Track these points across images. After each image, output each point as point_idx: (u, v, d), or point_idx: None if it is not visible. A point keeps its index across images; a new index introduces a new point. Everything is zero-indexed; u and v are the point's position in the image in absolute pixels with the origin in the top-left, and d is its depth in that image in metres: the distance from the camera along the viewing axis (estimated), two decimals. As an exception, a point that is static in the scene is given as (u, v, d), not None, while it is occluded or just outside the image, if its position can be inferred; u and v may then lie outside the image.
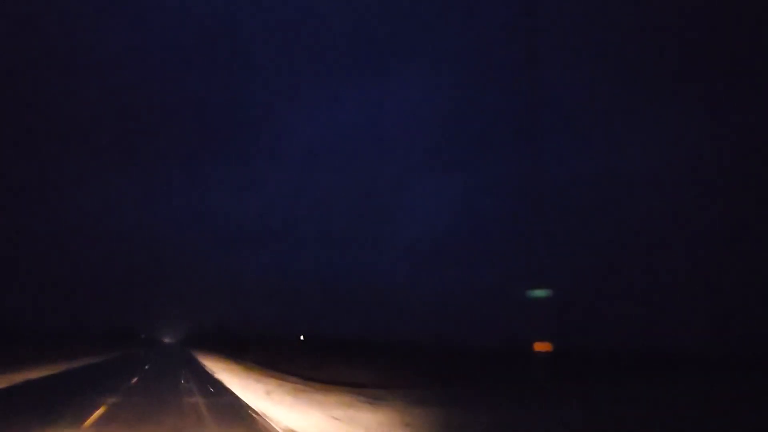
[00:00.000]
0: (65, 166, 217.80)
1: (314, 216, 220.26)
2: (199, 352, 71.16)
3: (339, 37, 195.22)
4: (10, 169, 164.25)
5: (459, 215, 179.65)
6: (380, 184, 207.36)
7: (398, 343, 74.18)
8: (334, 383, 24.13)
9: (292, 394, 18.98)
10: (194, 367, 35.63)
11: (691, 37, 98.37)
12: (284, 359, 41.90)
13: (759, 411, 15.03)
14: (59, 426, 10.98)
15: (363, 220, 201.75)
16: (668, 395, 20.70)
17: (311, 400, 16.89)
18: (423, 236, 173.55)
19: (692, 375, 30.29)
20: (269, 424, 12.17)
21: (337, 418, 13.27)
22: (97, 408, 13.56)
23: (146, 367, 34.26)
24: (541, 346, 19.26)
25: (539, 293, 19.47)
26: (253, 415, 13.42)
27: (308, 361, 39.03)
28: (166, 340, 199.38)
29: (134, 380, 22.59)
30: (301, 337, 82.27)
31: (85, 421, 11.62)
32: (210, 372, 30.61)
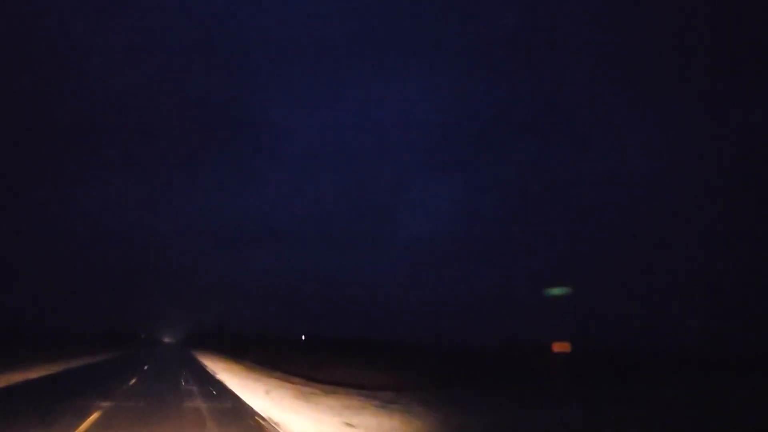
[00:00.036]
0: (65, 166, 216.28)
1: (314, 216, 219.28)
2: (200, 352, 69.91)
3: (339, 37, 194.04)
4: (10, 169, 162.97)
5: (460, 215, 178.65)
6: (381, 184, 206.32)
7: (399, 343, 73.15)
8: (341, 385, 23.00)
9: (298, 396, 17.81)
10: (194, 368, 34.41)
11: (691, 38, 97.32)
12: (285, 359, 40.78)
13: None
14: (46, 435, 9.85)
15: (363, 220, 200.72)
16: (672, 395, 20.01)
17: (320, 404, 15.73)
18: (423, 236, 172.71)
19: (691, 374, 29.53)
20: (278, 432, 11.05)
21: (351, 425, 12.11)
22: (91, 414, 12.35)
23: (145, 367, 33.01)
24: (559, 347, 18.15)
25: (557, 291, 18.37)
26: (260, 421, 12.23)
27: (310, 361, 37.92)
28: (166, 340, 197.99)
29: (132, 381, 21.35)
30: (303, 337, 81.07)
31: (76, 429, 10.46)
32: (211, 372, 29.41)
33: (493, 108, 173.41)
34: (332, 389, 21.06)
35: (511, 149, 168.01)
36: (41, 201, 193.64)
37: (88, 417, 11.88)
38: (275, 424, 11.96)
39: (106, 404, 14.03)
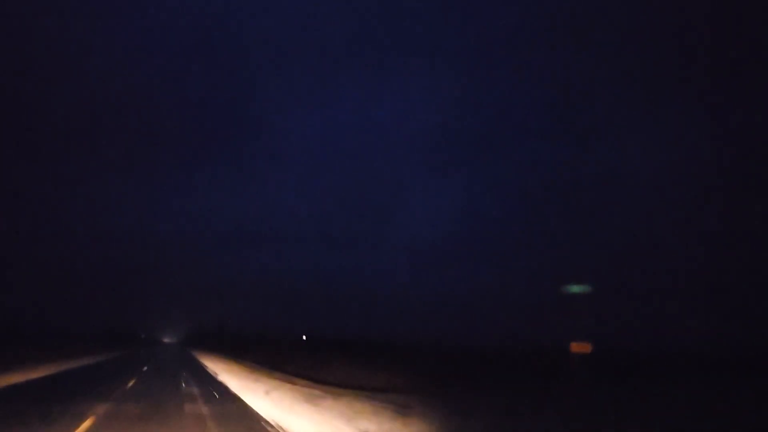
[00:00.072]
0: (65, 166, 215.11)
1: (314, 216, 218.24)
2: (200, 352, 68.78)
3: (339, 37, 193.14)
4: (10, 169, 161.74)
5: (460, 215, 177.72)
6: (380, 185, 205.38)
7: (399, 344, 72.24)
8: (347, 386, 21.94)
9: (305, 399, 16.73)
10: (195, 369, 33.33)
11: (692, 38, 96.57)
12: (286, 360, 39.71)
13: None
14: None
15: (363, 220, 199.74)
16: (673, 395, 19.29)
17: (330, 409, 14.65)
18: (423, 236, 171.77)
19: (691, 374, 28.83)
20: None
21: (368, 433, 11.10)
22: (85, 419, 11.29)
23: (144, 368, 31.89)
24: (579, 347, 17.11)
25: (577, 289, 17.35)
26: (268, 428, 11.19)
27: (312, 361, 36.86)
28: (166, 340, 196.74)
29: (130, 383, 20.26)
30: (304, 337, 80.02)
31: (66, 438, 9.44)
32: (212, 374, 28.33)
33: (493, 108, 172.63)
34: (339, 391, 19.99)
35: (511, 149, 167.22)
36: (41, 201, 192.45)
37: (82, 423, 10.82)
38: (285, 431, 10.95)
39: (101, 408, 12.96)
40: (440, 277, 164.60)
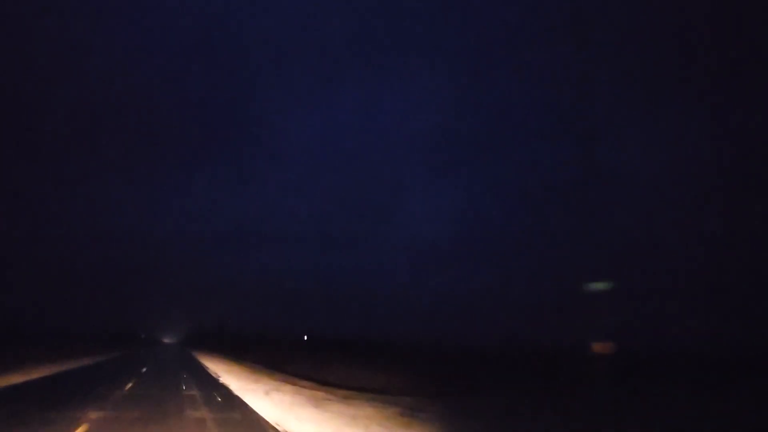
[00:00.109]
0: (65, 166, 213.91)
1: (314, 216, 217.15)
2: (200, 353, 67.78)
3: (339, 37, 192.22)
4: (10, 169, 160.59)
5: (460, 215, 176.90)
6: (380, 185, 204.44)
7: (400, 344, 71.38)
8: (353, 388, 21.03)
9: (312, 403, 15.80)
10: (196, 370, 32.36)
11: (691, 38, 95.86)
12: (288, 360, 38.79)
13: None
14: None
15: (363, 220, 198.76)
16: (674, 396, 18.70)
17: (339, 413, 13.72)
18: (423, 236, 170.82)
19: (691, 374, 28.21)
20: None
21: (384, 441, 10.18)
22: (77, 427, 10.39)
23: (144, 369, 30.91)
24: (600, 347, 16.25)
25: (599, 286, 16.51)
26: (276, 436, 10.30)
27: (313, 362, 35.95)
28: (166, 340, 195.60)
29: (129, 386, 19.28)
30: (305, 337, 79.06)
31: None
32: (214, 375, 27.37)
33: (493, 108, 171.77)
34: (344, 393, 19.07)
35: (511, 149, 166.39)
36: (41, 201, 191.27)
37: (75, 431, 9.95)
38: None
39: (95, 415, 12.01)
40: (440, 277, 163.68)
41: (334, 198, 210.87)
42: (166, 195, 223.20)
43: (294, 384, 22.98)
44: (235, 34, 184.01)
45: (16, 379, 21.18)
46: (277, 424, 11.56)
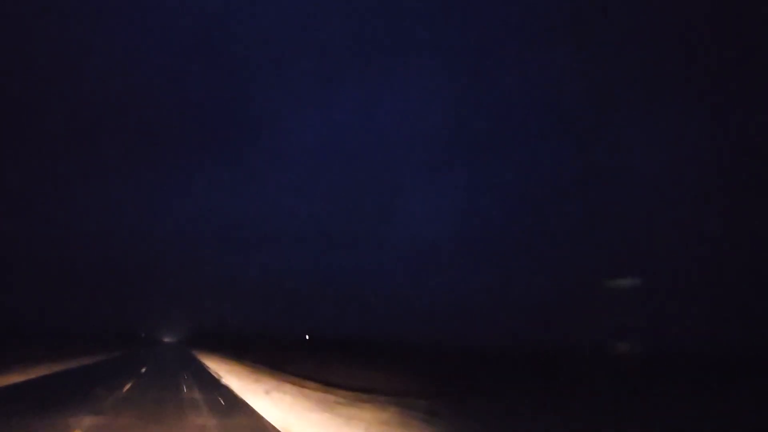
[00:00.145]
0: (65, 166, 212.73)
1: (314, 216, 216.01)
2: (201, 352, 66.75)
3: (339, 36, 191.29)
4: (10, 169, 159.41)
5: (460, 215, 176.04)
6: (380, 184, 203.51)
7: (400, 344, 70.52)
8: (361, 390, 20.04)
9: (322, 406, 14.79)
10: (197, 370, 31.34)
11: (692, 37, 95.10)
12: (289, 360, 37.81)
13: None
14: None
15: (363, 220, 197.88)
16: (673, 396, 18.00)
17: (352, 418, 12.72)
18: (424, 236, 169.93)
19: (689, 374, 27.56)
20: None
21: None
22: (68, 435, 9.45)
23: (143, 369, 29.86)
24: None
25: (622, 283, 15.62)
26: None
27: (315, 362, 35.00)
28: (167, 339, 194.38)
29: (127, 387, 18.24)
30: (306, 337, 78.09)
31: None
32: (215, 376, 26.36)
33: (494, 108, 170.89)
34: (354, 395, 18.07)
35: (511, 149, 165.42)
36: (41, 201, 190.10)
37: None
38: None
39: (89, 420, 10.99)
40: (440, 276, 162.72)
41: (334, 198, 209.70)
42: (166, 195, 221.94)
43: (299, 385, 21.99)
44: (235, 34, 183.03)
45: (13, 378, 20.23)
46: (285, 429, 10.57)
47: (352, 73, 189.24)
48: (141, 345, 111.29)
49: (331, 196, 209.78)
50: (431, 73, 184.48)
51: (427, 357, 45.27)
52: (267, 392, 18.74)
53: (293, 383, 22.97)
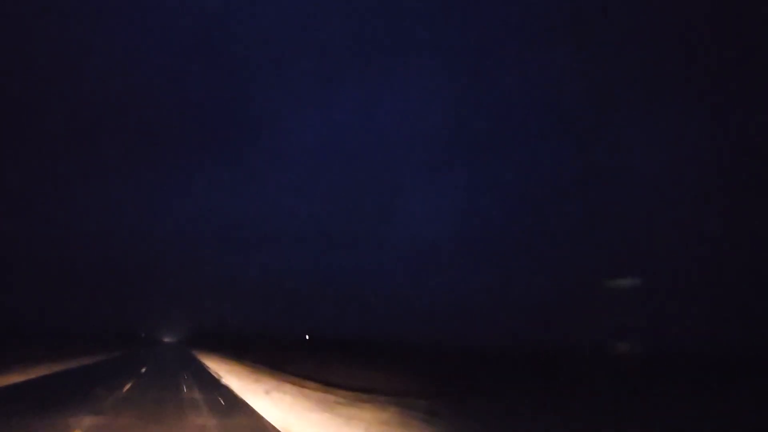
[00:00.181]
0: (65, 166, 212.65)
1: (314, 216, 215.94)
2: (201, 352, 66.71)
3: (339, 36, 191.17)
4: (10, 169, 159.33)
5: (460, 215, 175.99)
6: (380, 184, 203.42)
7: (401, 344, 70.45)
8: (360, 390, 20.00)
9: (323, 407, 14.76)
10: (197, 370, 31.30)
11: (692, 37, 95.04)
12: (289, 360, 37.77)
13: None
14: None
15: (363, 219, 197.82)
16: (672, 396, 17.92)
17: (352, 418, 12.67)
18: (424, 236, 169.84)
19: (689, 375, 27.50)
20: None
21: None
22: (68, 435, 9.41)
23: (143, 369, 29.81)
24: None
25: (622, 283, 15.58)
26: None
27: (315, 362, 34.95)
28: (167, 339, 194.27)
29: (126, 387, 18.20)
30: (307, 337, 78.02)
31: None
32: (215, 376, 26.32)
33: (494, 108, 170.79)
34: (354, 395, 18.03)
35: (511, 149, 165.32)
36: (41, 201, 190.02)
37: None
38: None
39: (89, 420, 10.96)
40: (440, 276, 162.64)
41: (334, 198, 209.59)
42: (166, 195, 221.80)
43: (299, 385, 21.95)
44: (235, 34, 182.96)
45: (14, 378, 20.19)
46: (285, 429, 10.54)
47: (352, 73, 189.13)
48: (141, 345, 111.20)
49: (331, 196, 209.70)
50: (431, 73, 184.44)
51: (427, 357, 45.17)
52: (267, 392, 18.70)
53: (293, 383, 22.93)
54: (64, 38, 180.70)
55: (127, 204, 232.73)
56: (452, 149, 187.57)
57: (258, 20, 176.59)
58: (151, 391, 17.30)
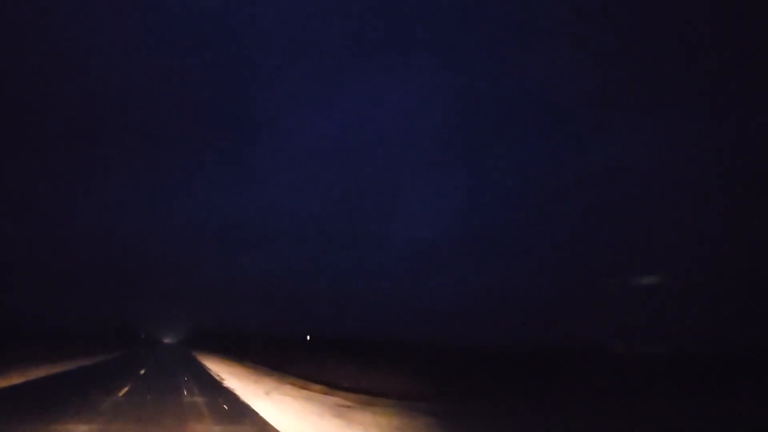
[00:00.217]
0: (65, 166, 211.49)
1: (314, 216, 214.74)
2: (201, 353, 65.68)
3: (339, 36, 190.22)
4: (10, 169, 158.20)
5: (461, 215, 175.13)
6: (381, 184, 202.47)
7: (401, 344, 69.62)
8: (369, 392, 19.02)
9: (332, 411, 13.72)
10: (198, 372, 30.29)
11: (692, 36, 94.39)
12: (291, 360, 36.81)
13: None
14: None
15: (364, 220, 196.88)
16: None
17: (370, 426, 11.72)
18: (424, 236, 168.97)
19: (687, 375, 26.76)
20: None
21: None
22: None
23: (142, 371, 28.77)
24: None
25: (648, 280, 14.75)
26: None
27: (318, 362, 34.00)
28: (167, 340, 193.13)
29: (124, 391, 17.18)
30: (308, 337, 77.06)
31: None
32: (216, 377, 25.31)
33: (494, 108, 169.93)
34: (364, 399, 17.03)
35: (512, 149, 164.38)
36: (41, 201, 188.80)
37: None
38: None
39: (81, 428, 10.02)
40: (441, 276, 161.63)
41: (334, 198, 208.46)
42: (166, 195, 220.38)
43: (304, 388, 20.96)
44: (235, 34, 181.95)
45: (9, 381, 19.26)
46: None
47: (353, 73, 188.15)
48: (141, 346, 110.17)
49: (331, 196, 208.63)
50: (431, 73, 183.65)
51: (428, 357, 44.32)
52: (270, 395, 17.73)
53: (297, 385, 21.95)
54: (64, 38, 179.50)
55: (127, 204, 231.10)
56: (452, 149, 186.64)
57: (258, 20, 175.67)
58: (149, 394, 16.29)
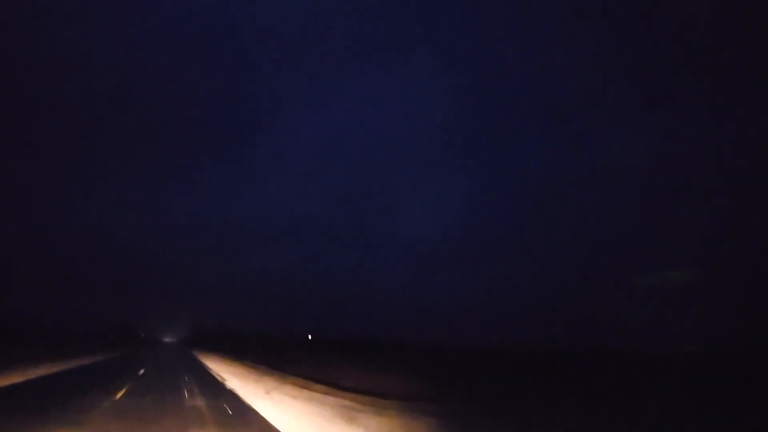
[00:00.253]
0: (65, 166, 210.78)
1: (314, 216, 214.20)
2: (201, 353, 65.00)
3: (339, 36, 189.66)
4: (10, 169, 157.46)
5: (461, 215, 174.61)
6: (381, 184, 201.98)
7: (402, 344, 69.19)
8: (374, 394, 18.36)
9: (341, 414, 12.99)
10: (198, 372, 29.61)
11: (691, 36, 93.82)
12: (292, 360, 36.21)
13: None
14: None
15: (364, 220, 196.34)
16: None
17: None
18: (424, 236, 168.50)
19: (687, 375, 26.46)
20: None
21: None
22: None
23: (141, 371, 28.07)
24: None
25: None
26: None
27: (319, 363, 33.40)
28: (167, 339, 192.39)
29: (121, 393, 16.48)
30: (309, 337, 76.48)
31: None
32: (219, 379, 24.63)
33: (494, 108, 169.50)
34: (371, 401, 16.36)
35: (512, 149, 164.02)
36: (41, 201, 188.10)
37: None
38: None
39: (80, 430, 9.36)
40: (441, 277, 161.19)
41: (334, 198, 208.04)
42: (166, 195, 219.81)
43: (308, 389, 20.29)
44: (235, 33, 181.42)
45: (10, 380, 18.69)
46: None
47: (353, 73, 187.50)
48: (141, 345, 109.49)
49: (331, 196, 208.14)
50: (432, 73, 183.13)
51: (429, 357, 43.77)
52: (271, 395, 17.08)
53: (301, 386, 21.28)
54: (64, 38, 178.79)
55: (127, 204, 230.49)
56: (452, 149, 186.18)
57: (258, 20, 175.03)
58: (147, 396, 15.60)
